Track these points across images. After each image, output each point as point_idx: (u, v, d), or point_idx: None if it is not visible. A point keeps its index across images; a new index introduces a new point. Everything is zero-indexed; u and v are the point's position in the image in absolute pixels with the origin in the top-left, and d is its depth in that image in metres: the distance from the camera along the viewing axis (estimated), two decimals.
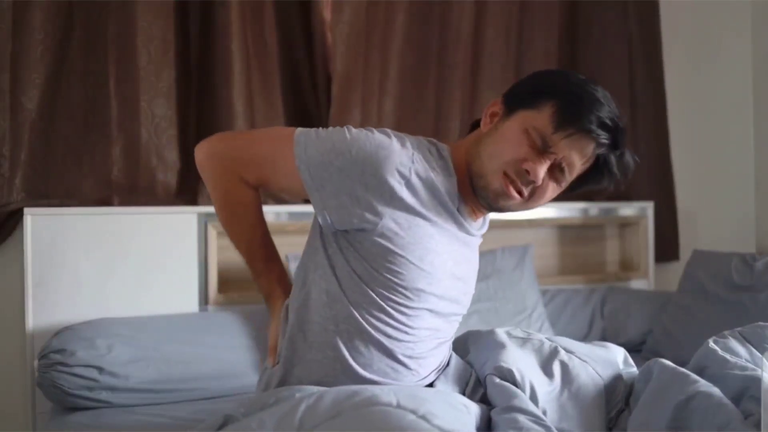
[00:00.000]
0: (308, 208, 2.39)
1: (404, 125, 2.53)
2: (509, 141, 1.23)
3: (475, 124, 1.35)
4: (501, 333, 1.41)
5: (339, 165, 1.19)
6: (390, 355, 1.25)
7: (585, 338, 2.49)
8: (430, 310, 1.27)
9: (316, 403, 1.10)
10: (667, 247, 2.99)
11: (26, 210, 2.00)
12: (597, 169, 1.27)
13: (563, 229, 2.89)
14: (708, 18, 2.98)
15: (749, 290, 2.26)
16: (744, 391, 1.16)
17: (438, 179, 1.24)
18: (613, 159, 1.26)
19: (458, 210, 1.28)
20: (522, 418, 1.17)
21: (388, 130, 1.25)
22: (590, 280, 2.85)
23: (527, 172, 1.22)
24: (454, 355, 1.41)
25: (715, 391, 1.14)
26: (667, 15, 2.99)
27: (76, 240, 2.04)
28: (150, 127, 2.20)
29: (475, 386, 1.35)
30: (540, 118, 1.22)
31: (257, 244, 1.37)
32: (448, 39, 2.63)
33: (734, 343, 1.28)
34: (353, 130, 1.22)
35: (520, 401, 1.22)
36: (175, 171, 2.25)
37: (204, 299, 2.20)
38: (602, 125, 1.21)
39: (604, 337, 2.49)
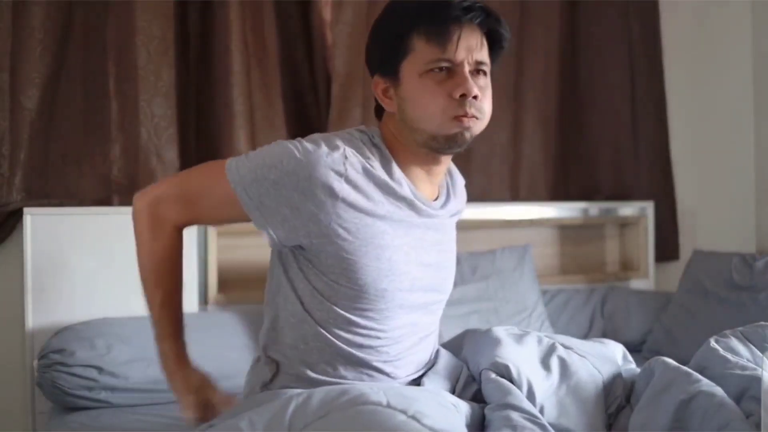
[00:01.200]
0: None
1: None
2: (423, 95, 1.19)
3: (377, 107, 1.31)
4: (497, 330, 1.40)
5: (273, 178, 1.15)
6: (364, 364, 1.24)
7: (585, 338, 2.48)
8: (401, 306, 1.25)
9: (306, 402, 1.10)
10: (667, 247, 2.99)
11: (26, 210, 2.00)
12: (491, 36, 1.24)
13: (563, 229, 2.89)
14: (708, 18, 2.97)
15: (749, 290, 2.26)
16: (745, 390, 1.16)
17: (377, 169, 1.20)
18: (493, 18, 1.23)
19: (413, 193, 1.24)
20: (516, 416, 1.16)
21: (316, 135, 1.22)
22: (590, 279, 2.85)
23: (463, 96, 1.18)
24: (443, 351, 1.40)
25: (717, 390, 1.13)
26: (668, 15, 2.99)
27: (75, 240, 2.04)
28: (149, 126, 2.19)
29: (466, 383, 1.34)
30: (419, 54, 1.19)
31: (172, 303, 1.34)
32: None
33: (735, 343, 1.28)
34: (281, 142, 1.19)
35: (515, 398, 1.21)
36: (174, 170, 2.24)
37: (204, 299, 2.20)
38: (466, 9, 1.18)
39: (604, 337, 2.49)
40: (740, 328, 1.33)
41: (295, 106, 2.44)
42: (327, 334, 1.22)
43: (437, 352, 1.39)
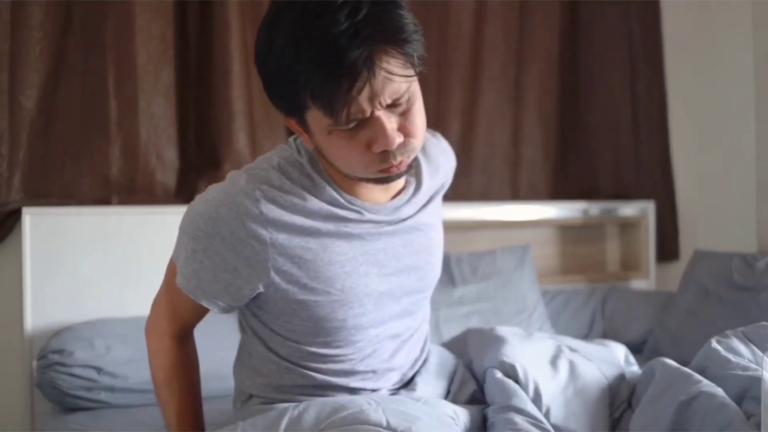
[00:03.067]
0: None
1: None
2: (340, 152, 1.03)
3: None
4: (502, 329, 1.39)
5: (200, 247, 1.07)
6: (340, 389, 1.20)
7: (585, 338, 2.48)
8: (370, 326, 1.18)
9: (301, 415, 1.07)
10: (667, 247, 2.99)
11: (25, 210, 2.00)
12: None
13: (563, 229, 2.89)
14: (709, 18, 2.97)
15: (750, 290, 2.26)
16: (746, 391, 1.16)
17: (303, 197, 1.09)
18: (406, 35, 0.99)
19: (357, 207, 1.12)
20: (520, 419, 1.15)
21: (229, 178, 1.10)
22: (591, 279, 2.84)
23: (384, 151, 1.01)
24: (436, 349, 1.38)
25: (719, 391, 1.13)
26: (669, 15, 2.99)
27: (74, 240, 2.04)
28: (149, 126, 2.19)
29: (463, 382, 1.32)
30: (317, 113, 0.98)
31: (186, 413, 1.27)
32: (448, 39, 2.63)
33: (737, 343, 1.28)
34: (192, 206, 1.10)
35: (519, 400, 1.20)
36: (174, 170, 2.24)
37: None
38: (352, 65, 0.92)
39: (605, 338, 2.48)
40: (741, 329, 1.32)
41: None
42: (298, 368, 1.19)
43: (429, 350, 1.36)
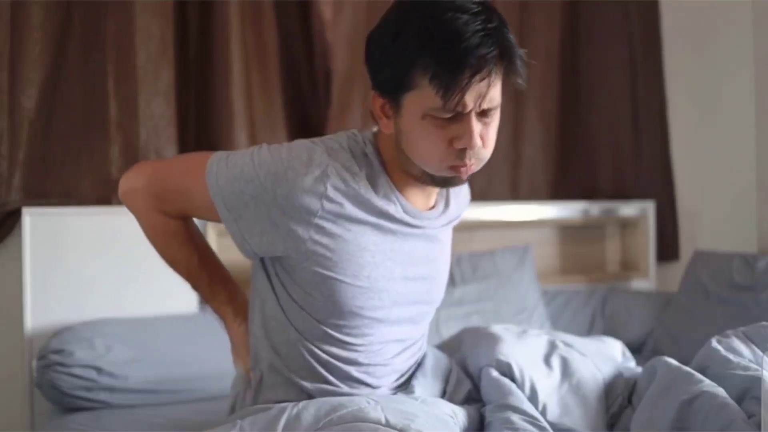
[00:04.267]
0: None
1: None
2: (423, 139, 1.10)
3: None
4: (497, 327, 1.39)
5: (251, 193, 1.12)
6: (344, 375, 1.22)
7: None
8: (381, 321, 1.21)
9: (299, 414, 1.08)
10: (668, 247, 2.98)
11: (25, 209, 2.00)
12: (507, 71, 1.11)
13: (563, 229, 2.88)
14: (709, 17, 2.97)
15: (750, 290, 2.26)
16: (746, 391, 1.16)
17: (362, 186, 1.14)
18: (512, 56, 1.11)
19: (402, 207, 1.19)
20: (516, 418, 1.16)
21: (302, 143, 1.16)
22: (591, 280, 2.84)
23: (462, 149, 1.09)
24: (431, 348, 1.38)
25: (720, 391, 1.13)
26: (668, 14, 2.99)
27: (74, 240, 2.04)
28: (149, 126, 2.19)
29: (458, 382, 1.32)
30: (425, 95, 1.06)
31: (195, 269, 1.30)
32: None
33: (737, 343, 1.28)
34: (262, 151, 1.15)
35: (516, 399, 1.20)
36: None
37: (204, 299, 2.19)
38: (481, 57, 1.04)
39: None
40: (742, 328, 1.32)
41: (295, 106, 2.43)
42: (307, 342, 1.20)
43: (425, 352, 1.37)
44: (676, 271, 2.86)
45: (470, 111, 1.07)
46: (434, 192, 1.25)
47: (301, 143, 1.16)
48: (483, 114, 1.09)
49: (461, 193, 1.36)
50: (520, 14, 2.75)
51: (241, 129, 2.27)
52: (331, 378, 1.21)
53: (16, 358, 2.04)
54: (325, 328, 1.19)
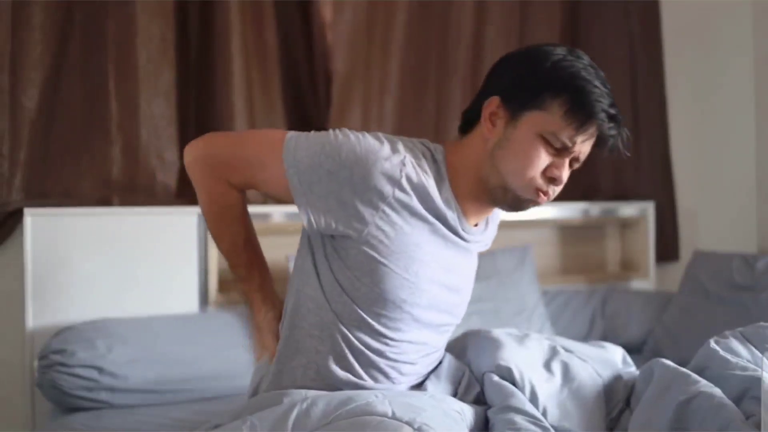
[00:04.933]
0: None
1: (404, 125, 2.53)
2: (528, 154, 1.19)
3: (468, 120, 1.30)
4: (498, 332, 1.40)
5: (328, 168, 1.16)
6: (371, 365, 1.24)
7: (585, 338, 2.48)
8: (416, 320, 1.25)
9: (309, 408, 1.09)
10: (667, 247, 2.99)
11: (26, 210, 2.00)
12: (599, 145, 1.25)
13: (564, 229, 2.89)
14: (709, 17, 2.97)
15: (750, 290, 2.26)
16: (745, 391, 1.16)
17: (430, 185, 1.20)
18: (617, 140, 1.24)
19: (458, 216, 1.25)
20: (519, 419, 1.17)
21: (380, 134, 1.22)
22: (591, 280, 2.85)
23: (554, 179, 1.21)
24: (447, 354, 1.40)
25: (717, 391, 1.13)
26: (669, 14, 2.99)
27: (75, 240, 2.04)
28: (149, 126, 2.19)
29: (468, 385, 1.34)
30: (551, 120, 1.18)
31: (240, 248, 1.34)
32: (449, 39, 2.63)
33: (735, 344, 1.28)
34: (345, 132, 1.19)
35: (517, 401, 1.21)
36: (174, 171, 2.25)
37: (204, 299, 2.20)
38: (610, 117, 1.19)
39: (605, 338, 2.49)
40: (740, 329, 1.33)
41: (295, 106, 2.44)
42: (342, 327, 1.22)
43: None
44: (676, 271, 2.86)
45: (571, 152, 1.20)
46: (484, 214, 1.32)
47: (381, 134, 1.22)
48: (573, 160, 1.22)
49: (494, 221, 1.40)
50: (520, 14, 2.76)
51: (241, 129, 2.27)
52: (356, 366, 1.23)
53: (17, 357, 2.04)
54: (364, 315, 1.21)
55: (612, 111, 1.19)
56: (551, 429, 1.18)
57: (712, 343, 1.28)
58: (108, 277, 2.07)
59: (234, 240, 1.33)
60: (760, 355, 1.25)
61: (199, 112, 2.30)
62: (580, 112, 1.17)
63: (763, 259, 2.30)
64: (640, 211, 2.90)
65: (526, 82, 1.21)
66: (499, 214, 1.41)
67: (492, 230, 1.39)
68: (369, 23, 2.50)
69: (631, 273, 2.92)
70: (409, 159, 1.18)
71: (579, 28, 2.88)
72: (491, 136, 1.23)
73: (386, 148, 1.17)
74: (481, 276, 2.44)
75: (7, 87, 2.02)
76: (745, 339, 1.30)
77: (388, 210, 1.17)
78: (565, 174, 1.21)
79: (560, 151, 1.20)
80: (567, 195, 2.91)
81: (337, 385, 1.22)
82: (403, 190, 1.17)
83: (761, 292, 2.22)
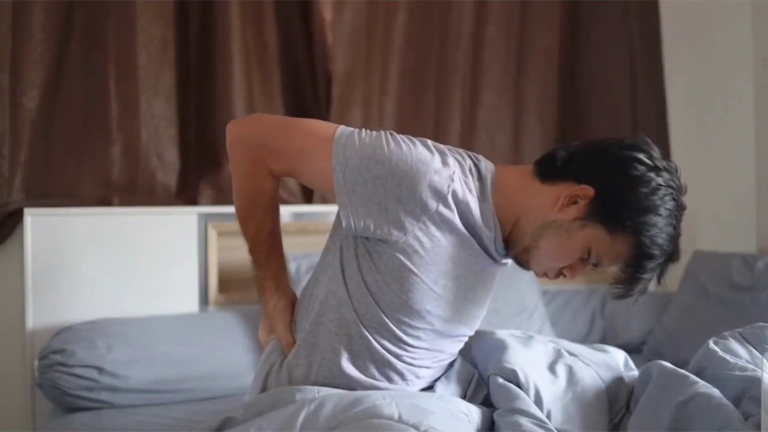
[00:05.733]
0: (310, 209, 2.39)
1: (404, 125, 2.53)
2: (569, 253, 1.22)
3: (547, 163, 1.30)
4: (503, 333, 1.40)
5: (376, 173, 1.15)
6: (387, 365, 1.24)
7: (585, 339, 2.48)
8: (435, 331, 1.25)
9: (317, 410, 1.09)
10: None
11: (26, 210, 2.00)
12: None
13: None
14: (709, 18, 2.97)
15: (750, 291, 2.26)
16: (744, 392, 1.16)
17: (473, 202, 1.20)
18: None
19: (495, 237, 1.24)
20: (524, 421, 1.17)
21: (430, 143, 1.21)
22: (591, 280, 2.84)
23: (565, 275, 1.25)
24: (458, 356, 1.40)
25: (715, 392, 1.14)
26: (668, 15, 2.99)
27: (76, 240, 2.04)
28: (150, 126, 2.19)
29: (477, 387, 1.34)
30: (610, 248, 1.21)
31: (265, 234, 1.32)
32: (449, 39, 2.63)
33: (734, 344, 1.28)
34: (396, 138, 1.18)
35: (523, 403, 1.21)
36: (175, 171, 2.25)
37: (204, 299, 2.20)
38: (663, 254, 1.22)
39: (605, 338, 2.49)
40: (739, 330, 1.33)
41: (295, 106, 2.44)
42: (362, 327, 1.22)
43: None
44: (676, 271, 2.86)
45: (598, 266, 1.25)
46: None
47: (433, 143, 1.21)
48: (596, 264, 1.26)
49: None
50: (520, 14, 2.75)
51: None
52: (371, 366, 1.23)
53: (17, 357, 2.04)
54: (386, 320, 1.21)
55: (666, 254, 1.22)
56: (555, 431, 1.18)
57: (711, 344, 1.28)
58: (108, 277, 2.07)
59: (260, 226, 1.32)
60: (759, 355, 1.25)
61: (199, 112, 2.30)
62: (638, 265, 1.21)
63: (763, 259, 2.30)
64: None
65: (621, 208, 1.19)
66: None
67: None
68: (369, 23, 2.50)
69: None
70: (458, 174, 1.18)
71: (579, 28, 2.88)
72: (559, 212, 1.22)
73: (437, 161, 1.17)
74: None
75: (7, 87, 2.02)
76: (745, 339, 1.30)
77: (429, 222, 1.16)
78: (577, 275, 1.27)
79: (585, 257, 1.24)
80: None
81: (349, 384, 1.22)
82: (447, 205, 1.17)
83: (761, 292, 2.22)
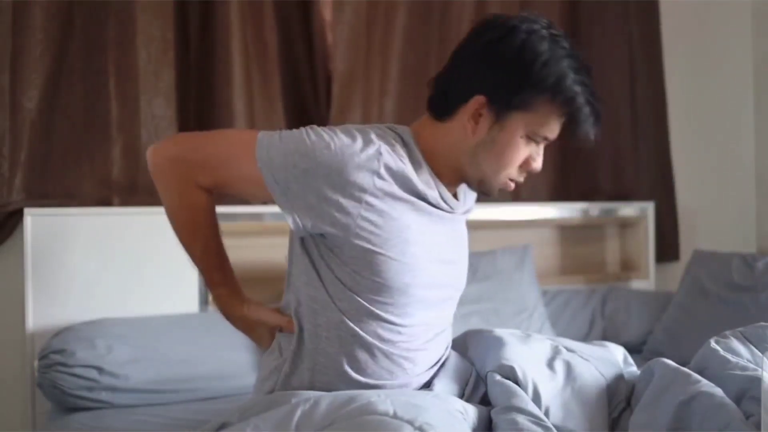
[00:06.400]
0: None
1: (404, 125, 2.53)
2: (513, 153, 1.23)
3: (443, 102, 1.27)
4: (501, 331, 1.40)
5: (304, 166, 1.15)
6: (384, 356, 1.24)
7: (585, 338, 2.48)
8: (420, 302, 1.26)
9: (312, 409, 1.09)
10: (667, 247, 2.99)
11: (26, 210, 2.00)
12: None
13: (563, 229, 2.89)
14: (708, 18, 2.97)
15: (750, 290, 2.26)
16: (745, 391, 1.16)
17: (408, 169, 1.21)
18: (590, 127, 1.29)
19: (439, 193, 1.26)
20: (522, 419, 1.16)
21: (351, 127, 1.22)
22: (591, 280, 2.85)
23: (533, 170, 1.27)
24: (453, 353, 1.40)
25: (717, 391, 1.14)
26: (668, 15, 2.99)
27: (76, 240, 2.04)
28: (150, 127, 2.19)
29: (476, 385, 1.34)
30: (537, 119, 1.21)
31: (213, 252, 1.32)
32: (448, 39, 2.63)
33: (735, 344, 1.28)
34: (317, 130, 1.19)
35: (520, 401, 1.21)
36: None
37: (204, 299, 2.20)
38: (593, 112, 1.25)
39: (605, 338, 2.49)
40: (740, 329, 1.33)
41: (295, 106, 2.44)
42: (350, 323, 1.22)
43: (449, 354, 1.39)
44: (676, 271, 2.86)
45: (549, 140, 1.25)
46: (457, 186, 1.34)
47: (352, 126, 1.23)
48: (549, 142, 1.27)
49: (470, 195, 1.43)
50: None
51: (224, 129, 2.26)
52: (370, 363, 1.23)
53: (17, 357, 2.04)
54: (370, 307, 1.22)
55: (594, 103, 1.25)
56: (554, 429, 1.18)
57: (712, 343, 1.28)
58: (108, 277, 2.07)
59: (207, 244, 1.31)
60: (760, 354, 1.26)
61: (199, 112, 2.30)
62: (573, 124, 1.23)
63: (763, 259, 2.30)
64: (640, 211, 2.90)
65: (514, 85, 1.20)
66: None
67: (471, 195, 1.40)
68: (369, 23, 2.50)
69: (630, 273, 2.92)
70: (384, 147, 1.19)
71: (579, 28, 2.89)
72: (474, 135, 1.24)
73: (359, 141, 1.18)
74: (481, 276, 2.46)
75: (7, 87, 2.02)
76: (745, 339, 1.30)
77: (372, 200, 1.17)
78: (541, 162, 1.26)
79: (536, 145, 1.25)
80: (567, 195, 2.93)
81: (349, 388, 1.21)
82: (382, 178, 1.18)
83: (761, 292, 2.22)
